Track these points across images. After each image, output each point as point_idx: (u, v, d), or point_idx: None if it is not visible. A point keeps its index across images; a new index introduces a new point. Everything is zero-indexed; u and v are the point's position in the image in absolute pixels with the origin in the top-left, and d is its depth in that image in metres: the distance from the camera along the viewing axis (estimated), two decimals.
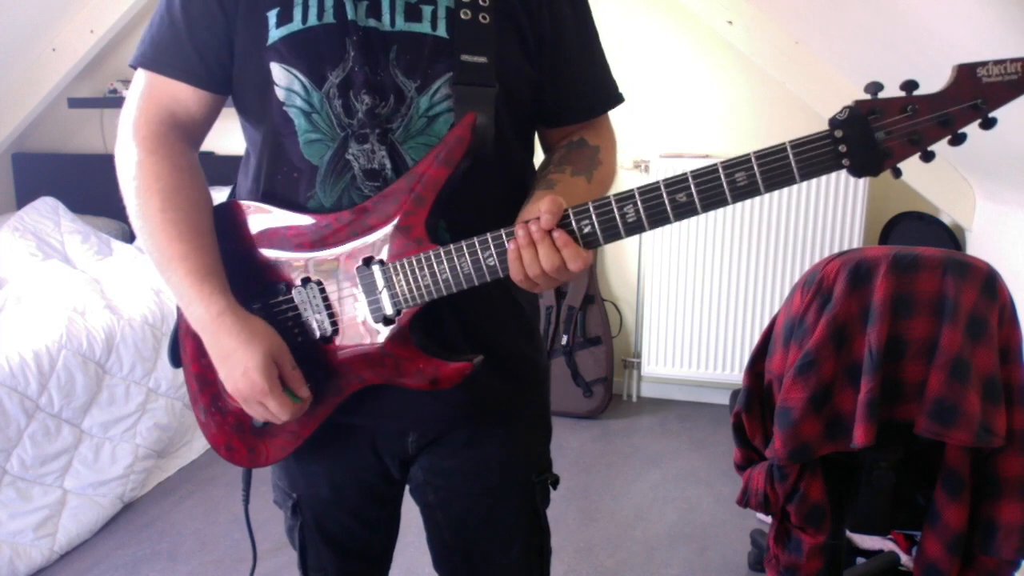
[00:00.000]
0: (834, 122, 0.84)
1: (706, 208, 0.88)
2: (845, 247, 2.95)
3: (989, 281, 1.38)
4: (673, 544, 2.38)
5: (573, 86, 1.08)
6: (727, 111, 3.16)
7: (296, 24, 0.96)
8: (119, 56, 3.61)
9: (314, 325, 1.01)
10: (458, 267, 0.93)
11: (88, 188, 3.63)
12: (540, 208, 0.90)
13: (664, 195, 0.88)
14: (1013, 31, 1.57)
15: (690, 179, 0.87)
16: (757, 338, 1.63)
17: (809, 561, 1.55)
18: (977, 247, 2.72)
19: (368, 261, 0.97)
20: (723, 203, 0.87)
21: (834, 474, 1.54)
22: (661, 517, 2.53)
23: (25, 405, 2.28)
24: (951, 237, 2.81)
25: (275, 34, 0.96)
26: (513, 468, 1.15)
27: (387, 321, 0.98)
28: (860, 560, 2.19)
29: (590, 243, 0.91)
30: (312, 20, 0.95)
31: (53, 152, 3.78)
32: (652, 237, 3.12)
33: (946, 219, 2.87)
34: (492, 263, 0.93)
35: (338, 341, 1.00)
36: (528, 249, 0.90)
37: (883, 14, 2.03)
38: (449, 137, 0.93)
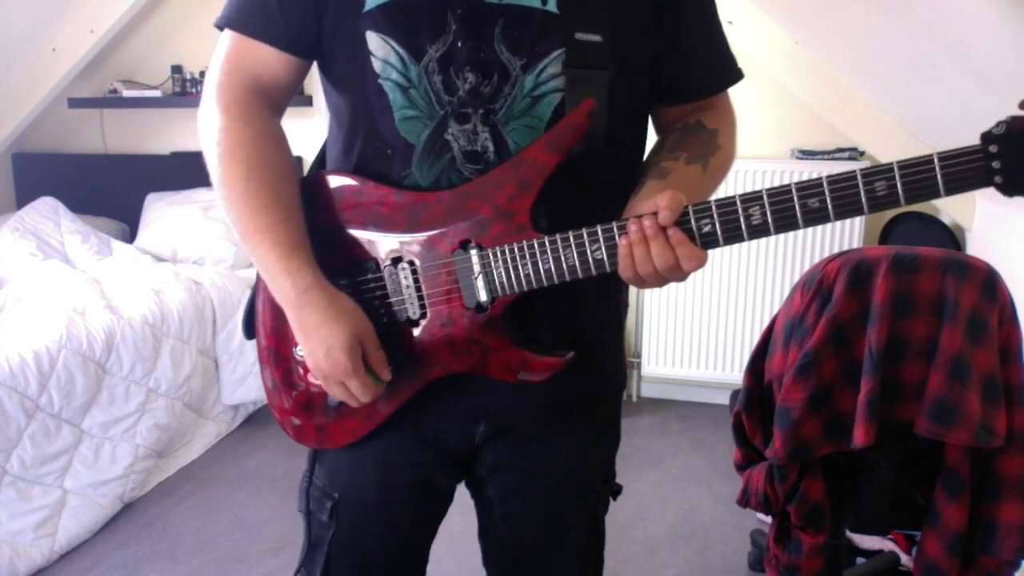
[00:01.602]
0: (988, 136, 0.79)
1: (839, 216, 0.82)
2: (845, 247, 2.95)
3: (989, 281, 1.38)
4: (673, 544, 2.38)
5: (693, 60, 1.02)
6: None
7: None
8: (119, 56, 3.61)
9: (402, 307, 0.96)
10: (563, 258, 0.89)
11: (88, 188, 3.63)
12: (658, 203, 0.85)
13: (795, 199, 0.83)
14: (1015, 30, 1.57)
15: (825, 184, 0.82)
16: (757, 338, 1.63)
17: (809, 561, 1.55)
18: (977, 247, 2.72)
19: (465, 245, 0.92)
20: (858, 212, 0.82)
21: (834, 474, 1.54)
22: (661, 517, 2.53)
23: (25, 405, 2.28)
24: (951, 237, 2.81)
25: (372, 0, 0.92)
26: (578, 471, 1.10)
27: (479, 308, 0.93)
28: (860, 560, 2.19)
29: (708, 243, 0.86)
30: None
31: (53, 152, 3.78)
32: None
33: (946, 219, 2.87)
34: (600, 256, 0.89)
35: (425, 325, 0.96)
36: (640, 246, 0.86)
37: (883, 14, 2.03)
38: (563, 123, 0.89)
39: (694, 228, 0.86)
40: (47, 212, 3.36)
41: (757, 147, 3.13)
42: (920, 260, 1.39)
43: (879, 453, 1.49)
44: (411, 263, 0.95)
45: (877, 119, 2.77)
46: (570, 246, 0.89)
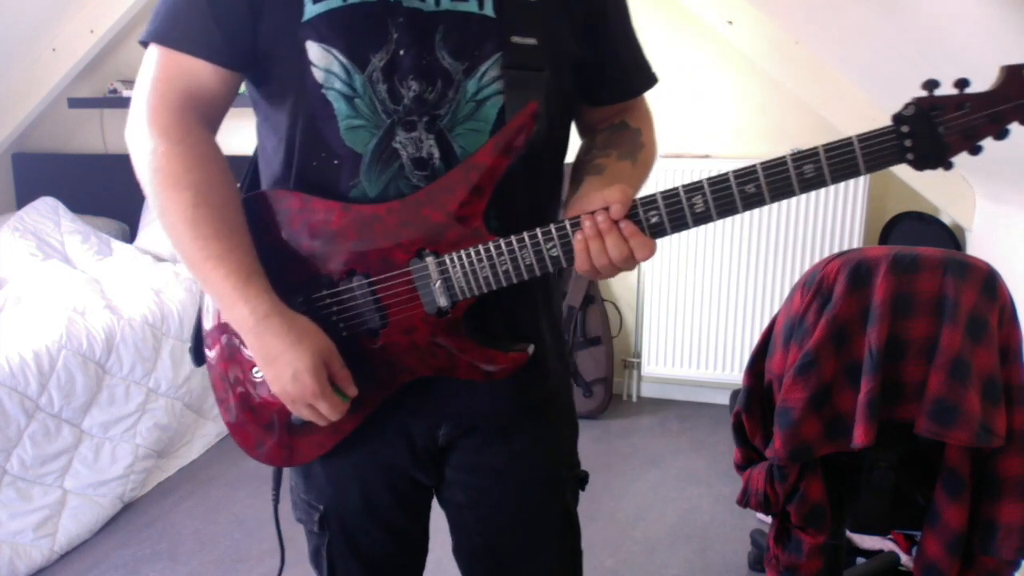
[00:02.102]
0: (900, 118, 0.88)
1: (774, 198, 0.90)
2: (845, 247, 2.95)
3: (989, 281, 1.38)
4: (673, 544, 2.38)
5: (616, 64, 1.07)
6: (727, 111, 3.16)
7: (335, 0, 0.91)
8: (119, 56, 3.61)
9: (362, 319, 0.97)
10: (520, 259, 0.93)
11: (88, 188, 3.63)
12: (607, 198, 0.90)
13: (734, 186, 0.89)
14: (1014, 30, 1.57)
15: (759, 171, 0.89)
16: (757, 338, 1.63)
17: (809, 561, 1.55)
18: (977, 247, 2.72)
19: (420, 252, 0.94)
20: (790, 194, 0.89)
21: (834, 474, 1.54)
22: (661, 517, 2.53)
23: (25, 405, 2.28)
24: (951, 237, 2.81)
25: (312, 9, 0.91)
26: (543, 464, 1.12)
27: (440, 312, 0.95)
28: (860, 560, 2.19)
29: (657, 233, 0.92)
30: None
31: (53, 152, 3.78)
32: None
33: (946, 219, 2.87)
34: (555, 254, 0.93)
35: (386, 334, 0.97)
36: (596, 240, 0.90)
37: (883, 14, 2.03)
38: (509, 126, 0.91)
39: (643, 219, 0.91)
40: (47, 212, 3.36)
41: (757, 147, 3.13)
42: (920, 260, 1.39)
43: (879, 453, 1.49)
44: (366, 275, 0.96)
45: (877, 119, 2.74)
46: (526, 246, 0.93)
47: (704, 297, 3.15)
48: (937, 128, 0.87)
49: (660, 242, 2.95)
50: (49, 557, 2.28)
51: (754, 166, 0.88)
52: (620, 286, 3.41)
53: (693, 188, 0.90)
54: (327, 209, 0.95)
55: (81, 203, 3.51)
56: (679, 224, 0.91)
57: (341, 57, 0.92)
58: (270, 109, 1.00)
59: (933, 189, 2.78)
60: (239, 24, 0.93)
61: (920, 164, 0.88)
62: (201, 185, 0.94)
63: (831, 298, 1.42)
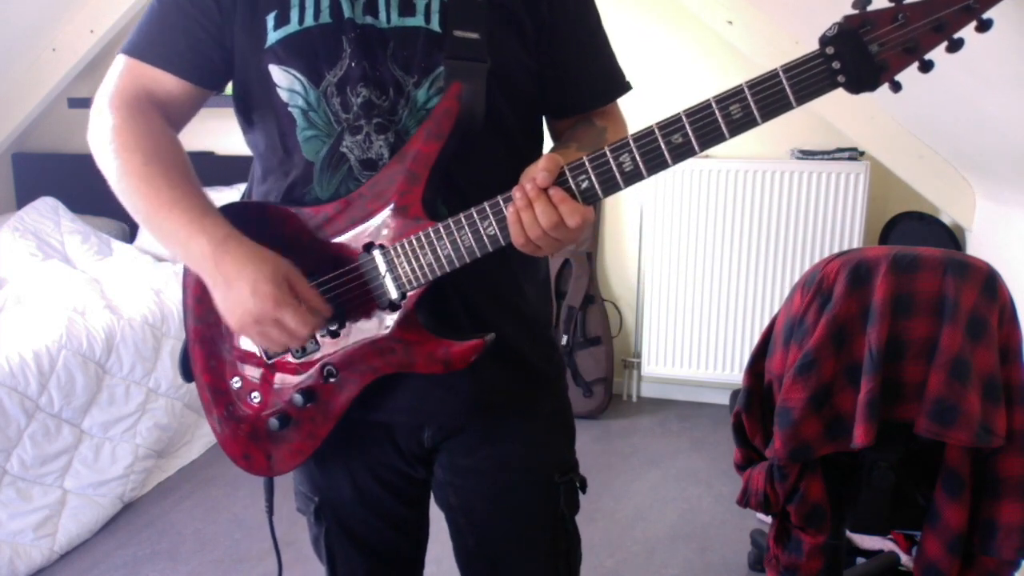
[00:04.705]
0: (824, 39, 0.82)
1: (704, 146, 0.86)
2: (845, 247, 2.95)
3: (989, 281, 1.38)
4: (673, 544, 2.38)
5: (577, 78, 1.07)
6: None
7: (293, 25, 0.96)
8: None
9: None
10: (459, 241, 0.92)
11: (88, 188, 3.59)
12: (537, 167, 0.89)
13: (660, 139, 0.86)
14: (1015, 30, 1.57)
15: (684, 119, 0.86)
16: (757, 338, 1.63)
17: (809, 561, 1.55)
18: (977, 247, 2.72)
19: (368, 247, 0.95)
20: (720, 139, 0.86)
21: (834, 474, 1.54)
22: (661, 517, 2.53)
23: (25, 405, 2.28)
24: (951, 237, 2.81)
25: (273, 36, 0.97)
26: (533, 467, 1.12)
27: (393, 306, 0.96)
28: (860, 560, 2.19)
29: (589, 199, 0.90)
30: (309, 21, 0.96)
31: (53, 152, 3.78)
32: (652, 236, 3.13)
33: (946, 219, 2.87)
34: (492, 232, 0.92)
35: (346, 333, 0.99)
36: (527, 210, 0.89)
37: None
38: (436, 110, 0.92)
39: (573, 186, 0.89)
40: (47, 212, 3.36)
41: (757, 147, 3.13)
42: (920, 260, 1.39)
43: (879, 453, 1.49)
44: (322, 276, 0.97)
45: (877, 119, 2.77)
46: (463, 228, 0.92)
47: (704, 297, 3.15)
48: (867, 46, 0.81)
49: (660, 242, 2.97)
50: (49, 557, 2.28)
51: (678, 114, 0.86)
52: (620, 286, 3.41)
53: (619, 146, 0.87)
54: (284, 216, 0.99)
55: (81, 203, 3.51)
56: (610, 186, 0.89)
57: (300, 76, 0.97)
58: (252, 129, 1.06)
59: (933, 189, 2.78)
60: (205, 43, 1.00)
61: (854, 87, 0.82)
62: (151, 150, 0.98)
63: (831, 298, 1.42)
